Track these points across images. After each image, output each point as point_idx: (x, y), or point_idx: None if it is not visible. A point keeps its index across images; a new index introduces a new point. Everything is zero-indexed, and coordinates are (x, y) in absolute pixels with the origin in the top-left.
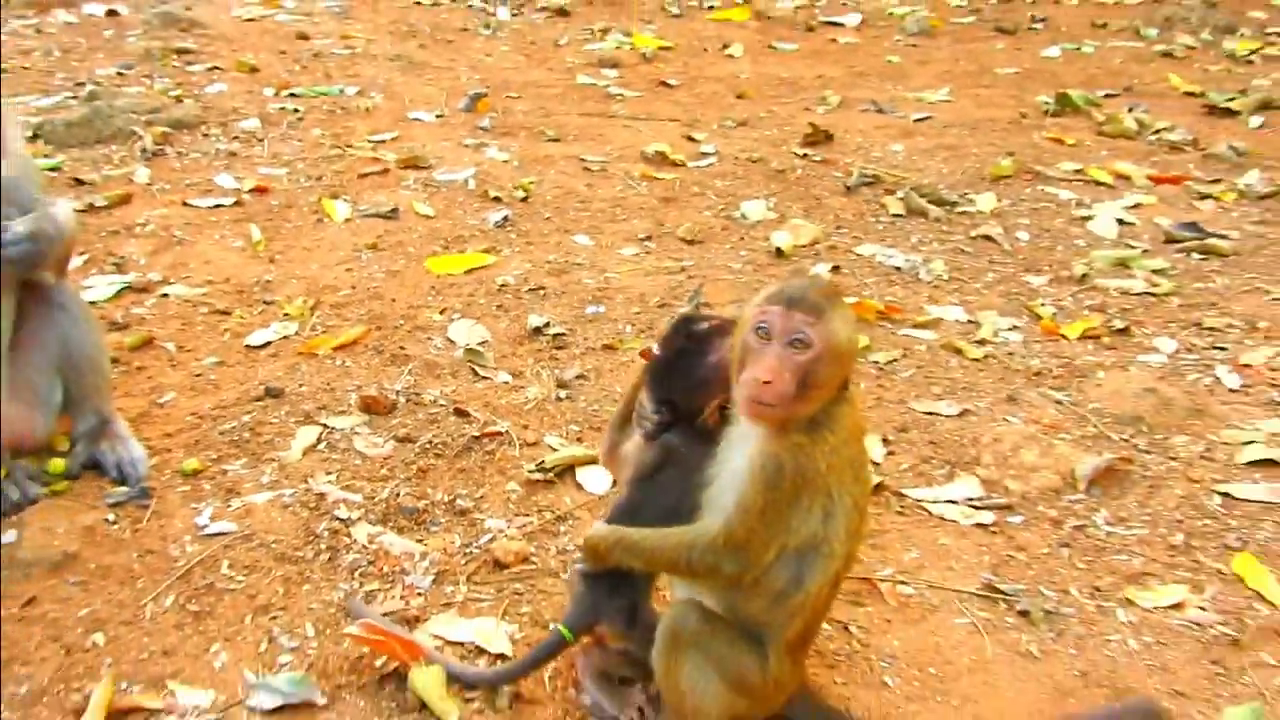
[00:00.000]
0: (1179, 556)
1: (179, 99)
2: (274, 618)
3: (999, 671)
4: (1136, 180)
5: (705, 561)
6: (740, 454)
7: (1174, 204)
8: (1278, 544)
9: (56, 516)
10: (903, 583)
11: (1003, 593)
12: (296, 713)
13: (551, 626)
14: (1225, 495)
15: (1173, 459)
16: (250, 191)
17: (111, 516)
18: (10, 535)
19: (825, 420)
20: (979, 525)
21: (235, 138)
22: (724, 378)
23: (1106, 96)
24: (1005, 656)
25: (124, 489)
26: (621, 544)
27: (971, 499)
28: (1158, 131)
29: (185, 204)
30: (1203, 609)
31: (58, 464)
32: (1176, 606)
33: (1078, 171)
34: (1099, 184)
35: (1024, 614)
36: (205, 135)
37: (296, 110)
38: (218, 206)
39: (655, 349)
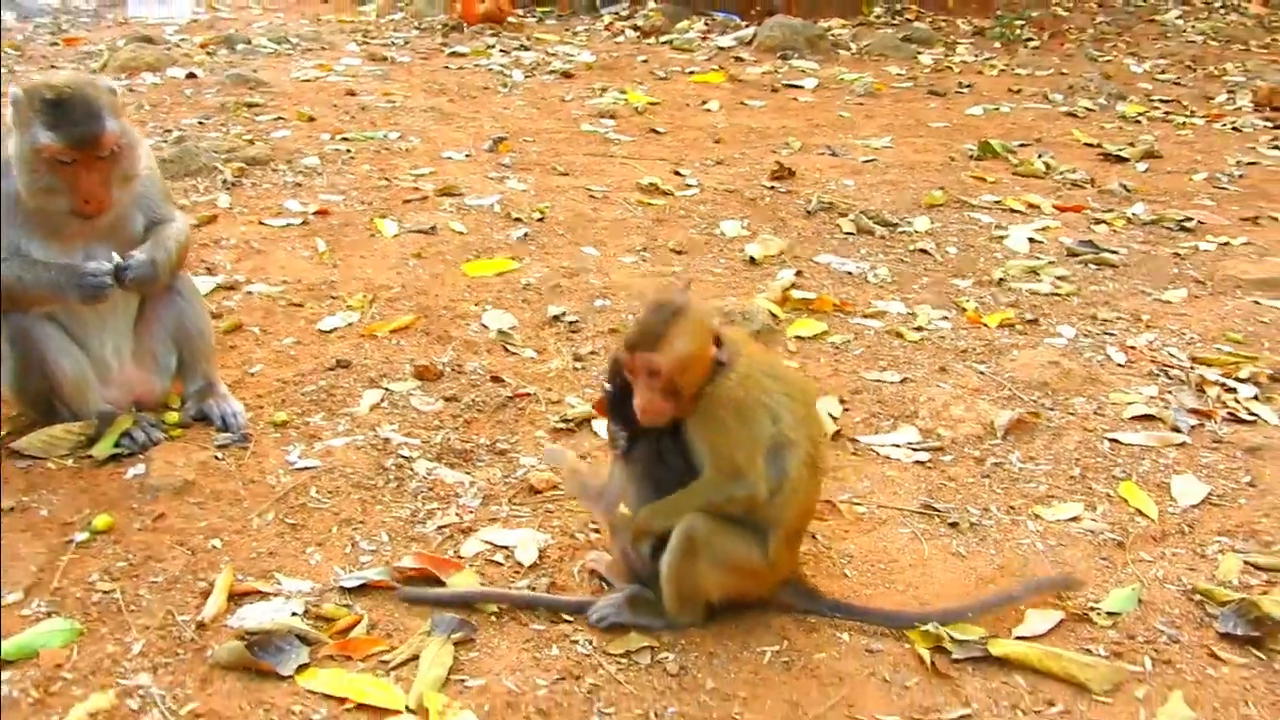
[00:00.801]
0: (1076, 485)
1: (251, 141)
2: (355, 529)
3: (934, 566)
4: (1044, 209)
5: (721, 496)
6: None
7: (1074, 227)
8: (1153, 476)
9: (175, 454)
10: (857, 504)
11: (937, 510)
12: (376, 592)
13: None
14: (1113, 441)
15: (1071, 414)
16: (314, 213)
17: (219, 455)
18: (140, 468)
19: (719, 373)
20: (918, 462)
21: (299, 172)
22: None
23: (1020, 145)
24: (939, 556)
25: (228, 434)
26: (657, 515)
27: (911, 443)
28: (1062, 172)
29: (261, 223)
30: (1094, 521)
31: (173, 416)
32: (1074, 519)
33: (997, 202)
34: (1014, 211)
35: (954, 525)
36: (274, 170)
37: (349, 150)
38: (288, 225)
39: (605, 388)
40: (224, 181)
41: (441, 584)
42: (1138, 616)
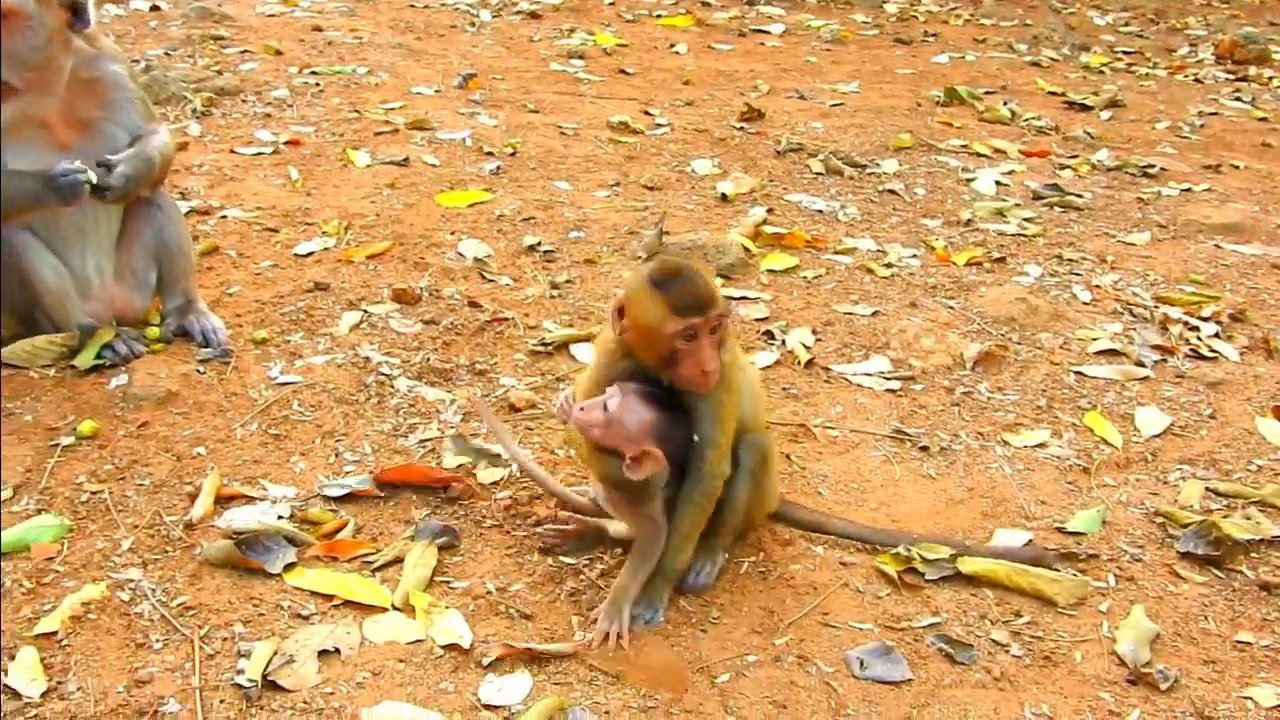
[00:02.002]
0: (1043, 414)
1: (219, 73)
2: (338, 440)
3: (905, 487)
4: (1010, 154)
5: (717, 481)
6: (704, 401)
7: (1040, 171)
8: (1118, 407)
9: (158, 366)
10: (830, 428)
11: (908, 435)
12: (360, 500)
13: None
14: (1079, 374)
15: (1039, 349)
16: (285, 143)
17: (201, 369)
18: (123, 378)
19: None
20: (889, 390)
21: (269, 103)
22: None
23: (986, 93)
24: (910, 478)
25: (209, 350)
26: (681, 548)
27: (883, 372)
28: (1027, 119)
29: (233, 151)
30: (1061, 448)
31: (154, 331)
32: (1041, 445)
33: (963, 146)
34: (980, 155)
35: (924, 449)
36: (244, 101)
37: (318, 84)
38: (259, 154)
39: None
40: (194, 111)
41: (426, 492)
42: (1102, 537)
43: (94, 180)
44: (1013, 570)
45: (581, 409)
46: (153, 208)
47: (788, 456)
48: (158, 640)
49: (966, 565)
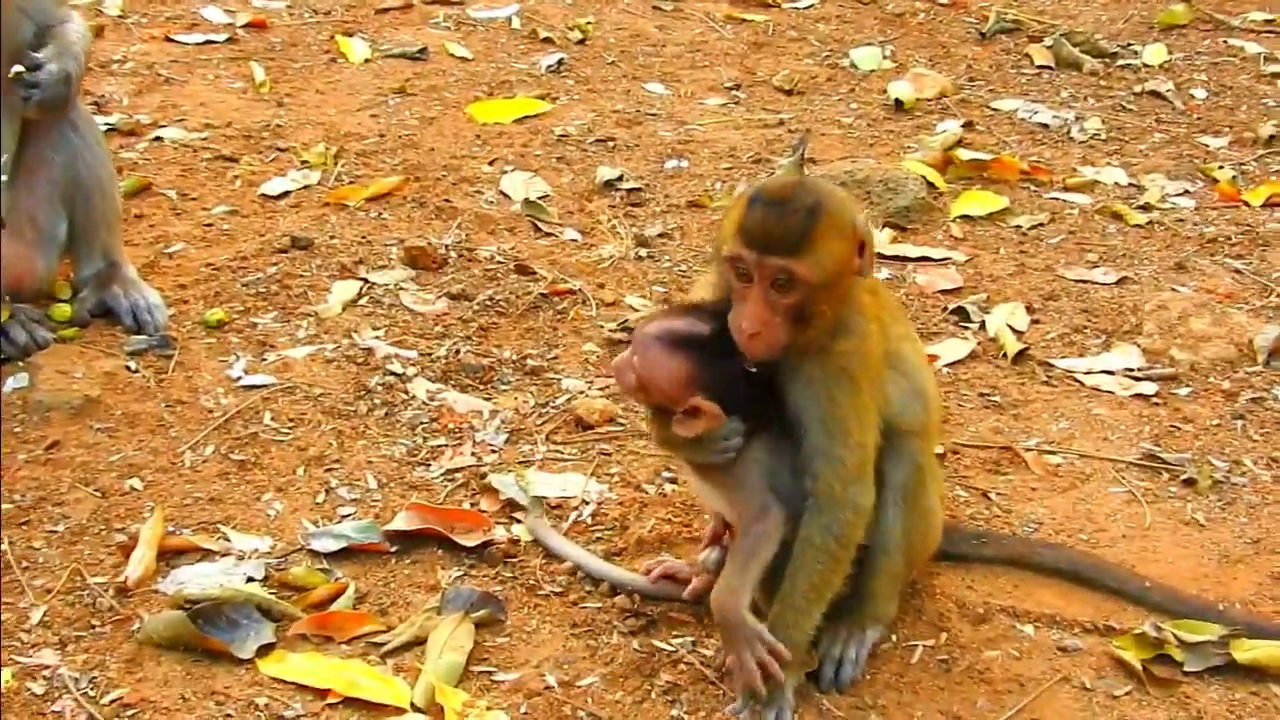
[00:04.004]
0: None
1: None
2: (329, 470)
3: (1159, 538)
4: None
5: (844, 519)
6: (803, 394)
7: None
8: None
9: (71, 361)
10: (1050, 452)
11: (1165, 463)
12: (362, 556)
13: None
14: None
15: None
16: (244, 27)
17: (132, 365)
18: (22, 378)
19: (848, 313)
20: (1139, 396)
21: None
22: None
23: None
24: (1167, 525)
25: (142, 337)
26: (796, 622)
27: (1131, 369)
28: None
29: (169, 39)
30: None
31: (63, 309)
32: None
33: (1268, 22)
34: None
35: (1189, 483)
36: None
37: None
38: (208, 43)
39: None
40: None
41: (457, 547)
42: None
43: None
44: None
45: (615, 367)
46: (63, 128)
47: (985, 494)
48: None
49: (1245, 651)
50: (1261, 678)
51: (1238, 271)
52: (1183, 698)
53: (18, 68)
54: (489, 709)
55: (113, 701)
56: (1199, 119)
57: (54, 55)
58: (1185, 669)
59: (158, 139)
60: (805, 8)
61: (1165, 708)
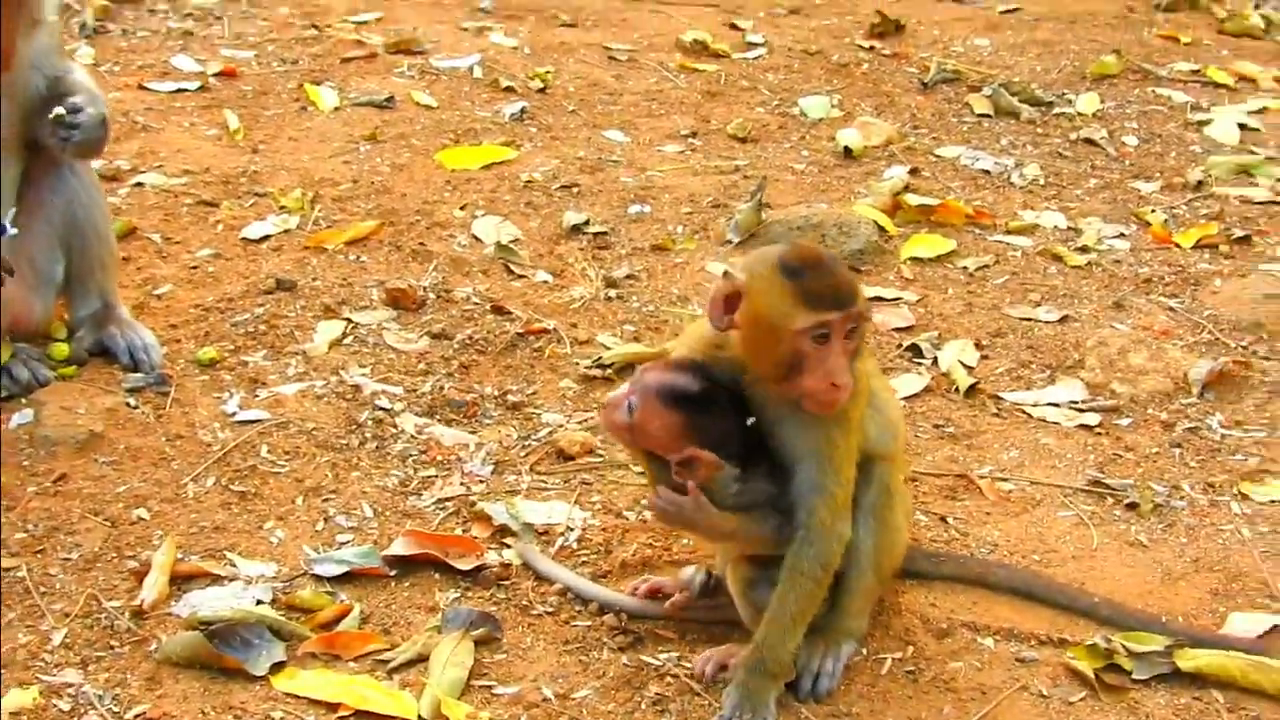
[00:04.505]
0: None
1: None
2: (327, 500)
3: (1105, 559)
4: (1262, 83)
5: (830, 550)
6: (799, 434)
7: None
8: None
9: (73, 398)
10: (1002, 479)
11: (1110, 488)
12: (363, 580)
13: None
14: None
15: None
16: (216, 75)
17: (132, 401)
18: (27, 414)
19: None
20: (1084, 427)
21: (188, 14)
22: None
23: None
24: (1112, 546)
25: (139, 375)
26: (781, 642)
27: (1076, 402)
28: None
29: (142, 87)
30: None
31: (61, 348)
32: None
33: (1194, 72)
34: (1219, 86)
35: (1132, 507)
36: (151, 12)
37: None
38: (180, 91)
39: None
40: (83, 27)
41: (452, 571)
42: None
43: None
44: (1251, 665)
45: (605, 404)
46: (62, 172)
47: (943, 519)
48: None
49: (1188, 660)
50: (1204, 684)
51: (1171, 309)
52: (1132, 703)
53: (59, 110)
54: (491, 719)
55: (136, 716)
56: (1131, 165)
57: (89, 100)
58: (1134, 677)
59: (139, 184)
60: (755, 58)
61: (1116, 712)
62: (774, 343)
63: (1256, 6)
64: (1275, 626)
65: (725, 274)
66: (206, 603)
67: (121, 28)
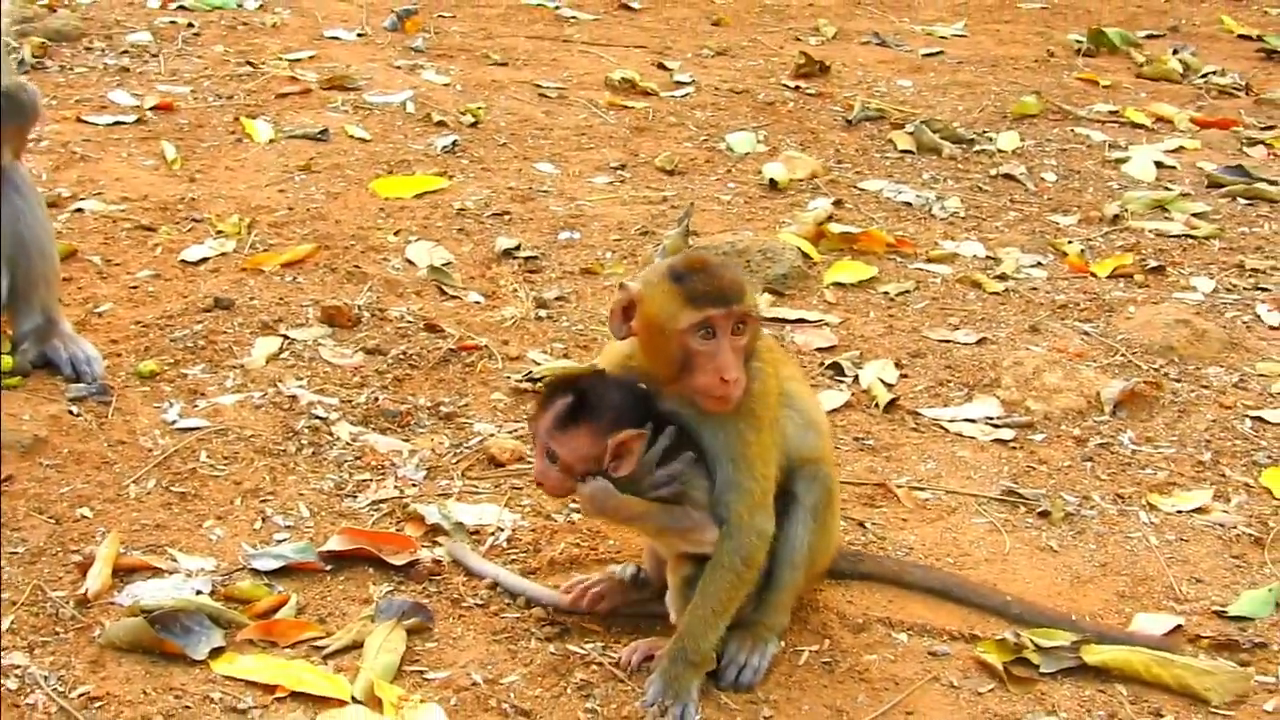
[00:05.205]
0: (1206, 471)
1: (51, 9)
2: (265, 501)
3: (1017, 562)
4: (1179, 124)
5: (751, 544)
6: (715, 433)
7: (1220, 148)
8: None
9: (18, 406)
10: (919, 488)
11: (1023, 497)
12: (299, 574)
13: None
14: (1258, 419)
15: (1205, 387)
16: (153, 109)
17: (75, 409)
18: None
19: (752, 359)
20: (999, 441)
21: (124, 52)
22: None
23: (1148, 37)
24: (1024, 550)
25: (81, 385)
26: (703, 632)
27: (991, 418)
28: (1206, 75)
29: (80, 120)
30: (1226, 514)
31: (6, 361)
32: (1200, 510)
33: (1113, 113)
34: (1136, 126)
35: (1044, 515)
36: (89, 49)
37: (191, 25)
38: (118, 124)
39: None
40: (21, 63)
41: (386, 566)
42: (1275, 623)
43: None
44: (1152, 660)
45: (535, 480)
46: (8, 191)
47: (861, 524)
48: None
49: (1094, 655)
50: (1109, 679)
51: (1086, 333)
52: (1039, 694)
53: None
54: (423, 701)
55: (80, 695)
56: (1050, 199)
57: (19, 87)
58: (1041, 670)
59: (79, 210)
60: (682, 96)
61: (1024, 703)
62: (665, 344)
63: (1175, 52)
64: (1178, 627)
65: (621, 286)
66: (148, 593)
67: (59, 64)
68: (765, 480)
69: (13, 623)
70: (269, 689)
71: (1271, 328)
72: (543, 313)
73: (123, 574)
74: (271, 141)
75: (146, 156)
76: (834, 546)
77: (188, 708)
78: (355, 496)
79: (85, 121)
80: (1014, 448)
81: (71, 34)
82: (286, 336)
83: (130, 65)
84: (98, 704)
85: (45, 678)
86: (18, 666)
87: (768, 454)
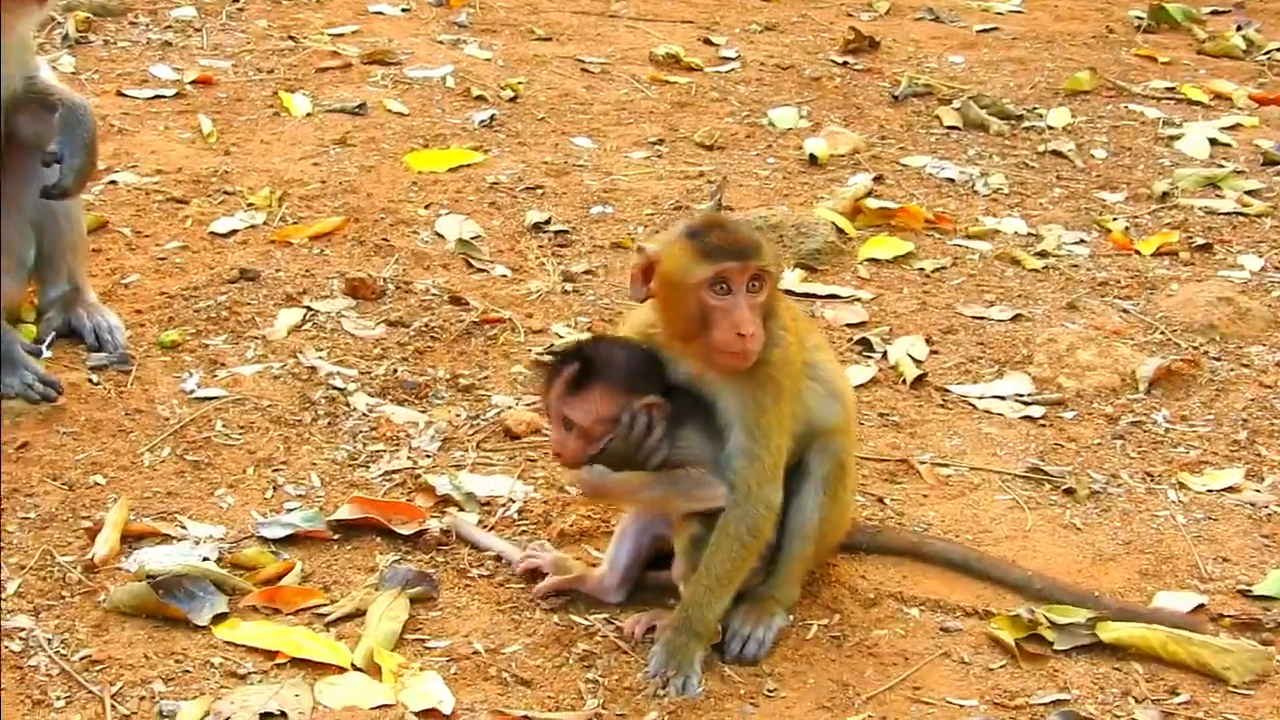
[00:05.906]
0: (1240, 450)
1: None
2: (277, 470)
3: (1038, 539)
4: (1237, 100)
5: (758, 513)
6: (731, 398)
7: (1278, 126)
8: None
9: None
10: (942, 465)
11: (1048, 475)
12: (307, 542)
13: None
14: None
15: (1245, 366)
16: (193, 83)
17: (95, 378)
18: None
19: (774, 325)
20: (1027, 418)
21: (168, 27)
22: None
23: (1213, 13)
24: (1046, 528)
25: (102, 354)
26: (708, 601)
27: (1021, 395)
28: (1269, 52)
29: (121, 94)
30: (1259, 493)
31: (29, 330)
32: (1231, 489)
33: (1169, 90)
34: (1193, 103)
35: (1069, 492)
36: (133, 24)
37: (235, 0)
38: (157, 97)
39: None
40: (65, 38)
41: (394, 535)
42: None
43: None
44: (1169, 638)
45: (553, 454)
46: (36, 158)
47: (880, 500)
48: (59, 698)
49: (1110, 632)
50: (1124, 656)
51: (1125, 311)
52: (1051, 671)
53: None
54: (422, 669)
55: (82, 659)
56: (1098, 176)
57: (71, 144)
58: (1055, 647)
59: (112, 182)
60: (727, 71)
61: (1035, 679)
62: (682, 301)
63: (1238, 28)
64: (1201, 605)
65: (639, 248)
66: (155, 559)
67: (103, 38)
68: (778, 451)
69: (20, 586)
70: (269, 655)
71: None
72: (569, 286)
73: (131, 540)
74: (309, 115)
75: (183, 130)
76: (846, 520)
77: (188, 672)
78: (368, 467)
79: (125, 95)
80: (1043, 425)
81: (116, 9)
82: (310, 308)
83: (173, 40)
84: (99, 667)
85: (49, 640)
86: (22, 629)
87: (783, 424)
